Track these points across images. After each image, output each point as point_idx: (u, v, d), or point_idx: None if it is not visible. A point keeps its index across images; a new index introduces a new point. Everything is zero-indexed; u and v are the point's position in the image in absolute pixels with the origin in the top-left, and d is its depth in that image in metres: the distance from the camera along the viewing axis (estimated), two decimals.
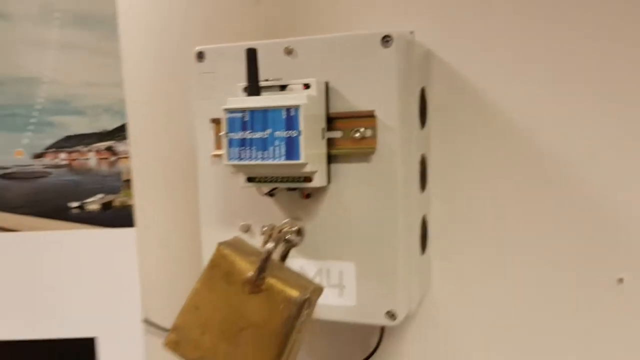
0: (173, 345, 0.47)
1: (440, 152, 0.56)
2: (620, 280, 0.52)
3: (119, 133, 0.58)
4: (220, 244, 0.47)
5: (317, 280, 0.50)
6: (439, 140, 0.56)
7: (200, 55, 0.53)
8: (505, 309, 0.56)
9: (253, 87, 0.46)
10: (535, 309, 0.55)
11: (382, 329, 0.60)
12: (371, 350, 0.60)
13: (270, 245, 0.45)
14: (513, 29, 0.53)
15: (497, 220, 0.55)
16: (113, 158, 0.58)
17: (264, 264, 0.45)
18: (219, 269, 0.46)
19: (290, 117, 0.44)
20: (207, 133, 0.53)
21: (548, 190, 0.53)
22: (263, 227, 0.50)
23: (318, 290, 0.47)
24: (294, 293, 0.44)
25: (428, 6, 0.55)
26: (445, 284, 0.58)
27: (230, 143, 0.46)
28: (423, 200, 0.55)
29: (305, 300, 0.44)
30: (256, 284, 0.45)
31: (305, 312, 0.45)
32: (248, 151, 0.45)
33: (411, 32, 0.52)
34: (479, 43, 0.54)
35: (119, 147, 0.58)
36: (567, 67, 0.52)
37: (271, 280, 0.45)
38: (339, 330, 0.62)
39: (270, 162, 0.45)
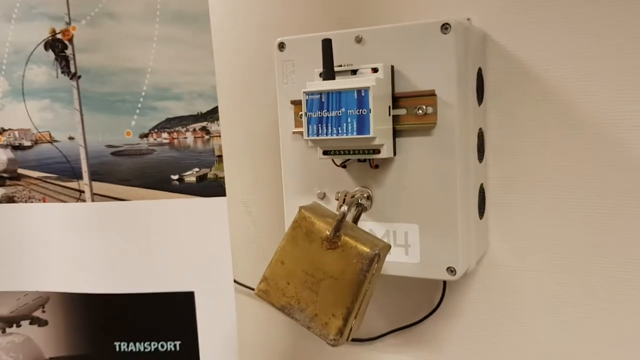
0: (263, 293, 0.55)
1: (496, 126, 0.62)
2: None
3: (212, 115, 0.66)
4: (302, 207, 0.54)
5: (385, 240, 0.57)
6: (495, 115, 0.62)
7: (281, 46, 0.60)
8: (556, 270, 0.61)
9: (329, 73, 0.53)
10: (586, 271, 0.60)
11: (444, 287, 0.66)
12: (435, 305, 0.67)
13: (344, 207, 0.52)
14: (562, 12, 0.58)
15: (548, 188, 0.60)
16: (207, 137, 0.66)
17: (339, 224, 0.52)
18: (300, 229, 0.54)
19: (361, 97, 0.51)
20: (288, 113, 0.61)
21: (594, 159, 0.58)
22: (337, 192, 0.57)
23: (386, 247, 0.54)
24: (365, 249, 0.51)
25: None
26: (502, 246, 0.63)
27: (309, 121, 0.53)
28: (481, 170, 0.61)
29: (375, 255, 0.51)
30: (333, 241, 0.52)
31: (375, 265, 0.52)
32: (324, 127, 0.52)
33: (468, 19, 0.58)
34: (532, 27, 0.59)
35: (212, 127, 0.66)
36: (616, 42, 0.56)
37: (346, 238, 0.52)
38: (407, 287, 0.69)
39: (343, 136, 0.52)
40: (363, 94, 0.51)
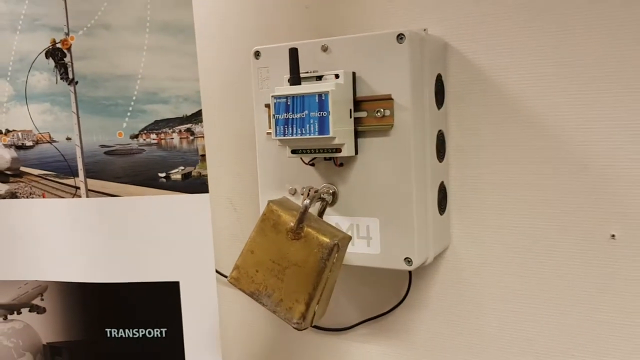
0: (235, 280, 0.60)
1: (457, 128, 0.67)
2: (613, 237, 0.61)
3: (196, 117, 0.71)
4: (270, 201, 0.59)
5: (349, 232, 0.62)
6: (456, 118, 0.66)
7: (257, 54, 0.66)
8: (513, 263, 0.66)
9: (295, 78, 0.59)
10: (541, 264, 0.64)
11: (410, 279, 0.71)
12: (402, 296, 0.72)
13: (307, 201, 0.57)
14: (519, 24, 0.62)
15: (506, 186, 0.65)
16: (191, 137, 0.72)
17: (302, 216, 0.57)
18: (268, 221, 0.59)
19: (321, 101, 0.56)
20: (263, 115, 0.66)
21: (547, 158, 0.62)
22: (302, 188, 0.62)
23: (346, 238, 0.58)
24: (325, 239, 0.56)
25: (445, 6, 0.65)
26: (463, 240, 0.68)
27: (277, 122, 0.58)
28: (442, 169, 0.65)
29: (334, 245, 0.56)
30: (296, 232, 0.57)
31: (335, 255, 0.56)
32: (290, 128, 0.58)
33: (425, 30, 0.63)
34: (490, 36, 0.64)
35: (196, 128, 0.71)
36: (559, 54, 0.61)
37: (308, 229, 0.57)
38: (376, 279, 0.74)
39: (307, 136, 0.57)
40: (323, 98, 0.56)
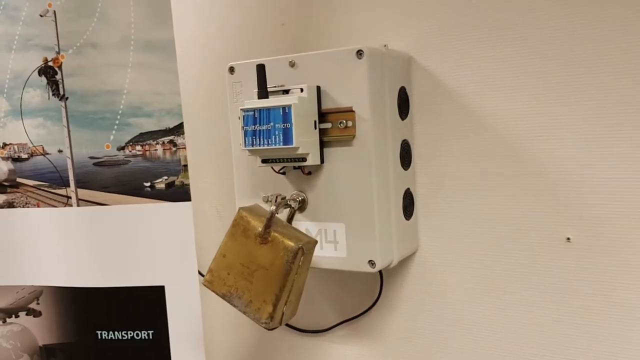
0: (208, 283, 0.63)
1: (422, 137, 0.70)
2: (568, 239, 0.64)
3: (178, 129, 0.75)
4: (241, 208, 0.63)
5: (317, 237, 0.66)
6: (421, 127, 0.70)
7: (231, 69, 0.70)
8: (477, 266, 0.69)
9: (262, 92, 0.63)
10: (502, 265, 0.67)
11: (382, 282, 0.74)
12: (375, 298, 0.75)
13: (273, 207, 0.61)
14: (479, 38, 0.66)
15: (470, 191, 0.68)
16: (174, 148, 0.76)
17: (269, 221, 0.60)
18: (239, 227, 0.62)
19: (285, 113, 0.60)
20: (237, 127, 0.70)
21: (506, 165, 0.65)
22: (270, 195, 0.65)
23: (311, 242, 0.62)
24: (290, 243, 0.60)
25: (409, 22, 0.69)
26: (430, 244, 0.71)
27: (246, 134, 0.62)
28: (407, 176, 0.69)
29: (299, 249, 0.59)
30: (264, 237, 0.61)
31: (300, 258, 0.60)
32: (258, 139, 0.61)
33: (385, 45, 0.66)
34: (452, 50, 0.67)
35: (178, 140, 0.75)
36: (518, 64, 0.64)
37: (275, 234, 0.60)
38: (352, 283, 0.77)
39: (273, 147, 0.61)
40: (287, 111, 0.60)
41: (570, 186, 0.63)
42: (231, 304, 0.62)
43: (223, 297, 0.62)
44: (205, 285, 0.63)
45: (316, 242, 0.63)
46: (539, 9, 0.62)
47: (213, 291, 0.63)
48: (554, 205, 0.64)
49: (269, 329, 0.61)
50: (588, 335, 0.63)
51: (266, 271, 0.60)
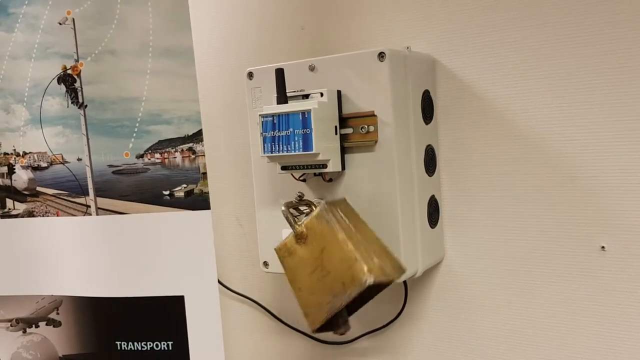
0: (311, 322, 0.56)
1: (448, 142, 0.68)
2: (603, 248, 0.61)
3: (197, 137, 0.74)
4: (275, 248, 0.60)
5: None
6: (446, 132, 0.67)
7: (250, 75, 0.68)
8: (505, 276, 0.66)
9: (281, 98, 0.61)
10: (533, 276, 0.64)
11: (406, 292, 0.72)
12: (399, 310, 0.73)
13: (283, 209, 0.58)
14: (505, 39, 0.63)
15: (497, 199, 0.65)
16: (193, 156, 0.75)
17: (290, 223, 0.58)
18: (284, 257, 0.59)
19: (305, 118, 0.58)
20: (257, 133, 0.68)
21: (537, 171, 0.63)
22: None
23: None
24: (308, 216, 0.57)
25: (432, 24, 0.67)
26: (456, 254, 0.69)
27: (264, 140, 0.60)
28: (432, 183, 0.66)
29: (322, 207, 0.58)
30: (298, 238, 0.57)
31: (329, 211, 0.57)
32: (277, 145, 0.60)
33: (407, 48, 0.64)
34: (478, 53, 0.65)
35: (197, 147, 0.74)
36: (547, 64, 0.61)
37: (300, 229, 0.58)
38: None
39: (292, 153, 0.59)
40: (306, 116, 0.58)
41: (605, 192, 0.60)
42: (341, 308, 0.55)
43: (329, 314, 0.55)
44: (315, 331, 0.57)
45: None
46: (573, 8, 0.59)
47: (321, 322, 0.56)
48: (587, 212, 0.61)
49: (376, 283, 0.53)
50: (621, 347, 0.60)
51: (325, 255, 0.56)
